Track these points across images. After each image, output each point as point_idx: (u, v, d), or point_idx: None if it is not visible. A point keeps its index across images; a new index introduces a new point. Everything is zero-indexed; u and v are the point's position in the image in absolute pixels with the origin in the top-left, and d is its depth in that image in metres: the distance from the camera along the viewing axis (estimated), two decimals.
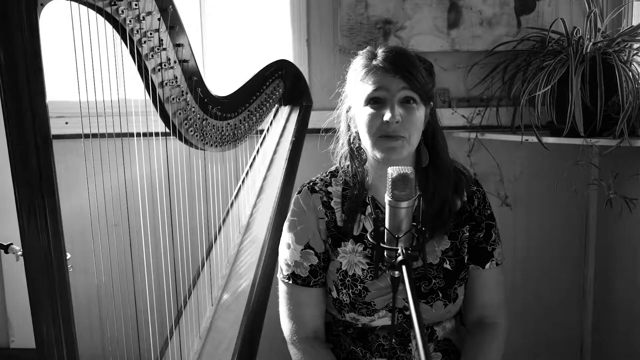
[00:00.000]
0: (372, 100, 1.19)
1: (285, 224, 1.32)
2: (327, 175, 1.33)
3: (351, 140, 1.29)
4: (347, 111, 1.28)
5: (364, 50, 1.25)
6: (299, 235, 1.29)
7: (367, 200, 1.27)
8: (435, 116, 1.28)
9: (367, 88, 1.19)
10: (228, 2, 2.15)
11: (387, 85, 1.17)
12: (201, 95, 1.28)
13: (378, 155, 1.21)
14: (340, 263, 1.27)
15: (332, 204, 1.29)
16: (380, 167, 1.23)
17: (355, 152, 1.28)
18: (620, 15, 2.00)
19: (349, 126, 1.29)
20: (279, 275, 1.33)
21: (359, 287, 1.25)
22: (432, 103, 1.25)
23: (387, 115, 1.16)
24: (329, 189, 1.31)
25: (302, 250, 1.28)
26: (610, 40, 1.82)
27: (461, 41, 2.05)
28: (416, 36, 2.04)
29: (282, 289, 1.32)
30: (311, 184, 1.32)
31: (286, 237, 1.31)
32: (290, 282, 1.29)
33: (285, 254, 1.31)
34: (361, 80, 1.20)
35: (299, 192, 1.32)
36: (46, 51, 0.79)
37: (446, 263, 1.27)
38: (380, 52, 1.21)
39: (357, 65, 1.23)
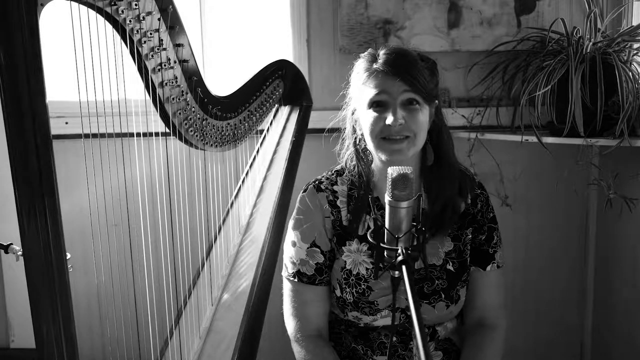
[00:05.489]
0: (374, 104, 1.19)
1: (291, 222, 1.33)
2: (332, 174, 1.34)
3: (357, 142, 1.29)
4: (352, 113, 1.29)
5: (365, 53, 1.25)
6: (305, 233, 1.29)
7: (372, 201, 1.27)
8: (441, 114, 1.28)
9: (369, 92, 1.19)
10: (228, 2, 2.15)
11: (389, 89, 1.17)
12: (201, 95, 1.28)
13: (383, 157, 1.21)
14: (345, 262, 1.27)
15: (338, 202, 1.30)
16: (386, 168, 1.24)
17: (361, 154, 1.29)
18: (620, 15, 2.00)
19: (354, 128, 1.29)
20: (284, 273, 1.33)
21: (362, 286, 1.25)
22: (436, 102, 1.25)
23: (389, 119, 1.16)
24: (335, 187, 1.31)
25: (308, 248, 1.29)
26: (610, 40, 1.82)
27: (461, 41, 2.05)
28: (416, 36, 2.04)
29: (286, 286, 1.32)
30: (317, 182, 1.33)
31: (291, 235, 1.31)
32: (296, 280, 1.30)
33: (290, 252, 1.31)
34: (363, 83, 1.20)
35: (305, 191, 1.33)
36: (46, 51, 0.79)
37: (449, 264, 1.27)
38: (381, 54, 1.21)
39: (359, 68, 1.23)
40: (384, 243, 0.95)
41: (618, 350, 2.11)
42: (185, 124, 1.27)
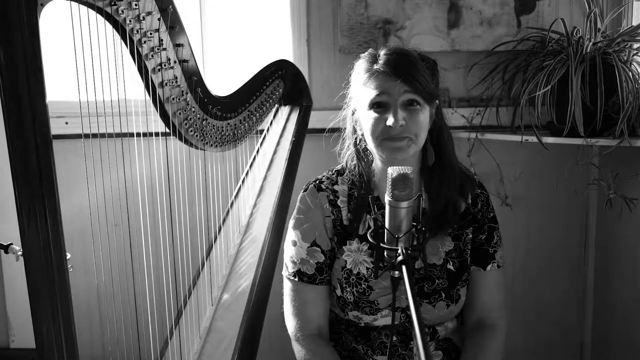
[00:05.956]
0: (375, 105, 1.19)
1: (291, 222, 1.33)
2: (333, 174, 1.34)
3: (357, 142, 1.29)
4: (353, 114, 1.29)
5: (366, 53, 1.25)
6: (306, 232, 1.29)
7: (373, 200, 1.27)
8: (441, 114, 1.28)
9: (370, 93, 1.19)
10: (228, 2, 2.15)
11: (389, 90, 1.17)
12: (201, 95, 1.28)
13: (384, 156, 1.21)
14: (345, 261, 1.27)
15: (339, 202, 1.30)
16: (386, 168, 1.24)
17: (362, 154, 1.29)
18: (620, 15, 2.00)
19: (354, 128, 1.29)
20: (284, 273, 1.33)
21: (363, 285, 1.25)
22: (437, 101, 1.25)
23: (390, 120, 1.16)
24: (335, 187, 1.31)
25: (308, 247, 1.29)
26: (610, 40, 1.82)
27: (461, 41, 2.05)
28: (416, 36, 2.04)
29: (287, 286, 1.32)
30: (317, 182, 1.33)
31: (292, 234, 1.31)
32: (296, 279, 1.30)
33: (290, 251, 1.31)
34: (364, 84, 1.20)
35: (305, 190, 1.33)
36: (46, 51, 0.79)
37: (449, 264, 1.27)
38: (381, 54, 1.21)
39: (360, 68, 1.23)
40: (384, 243, 0.95)
41: (618, 350, 2.11)
42: (185, 124, 1.27)
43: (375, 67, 1.19)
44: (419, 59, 1.21)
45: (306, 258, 1.29)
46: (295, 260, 1.30)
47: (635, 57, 1.82)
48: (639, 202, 1.86)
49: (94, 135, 1.05)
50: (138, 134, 1.19)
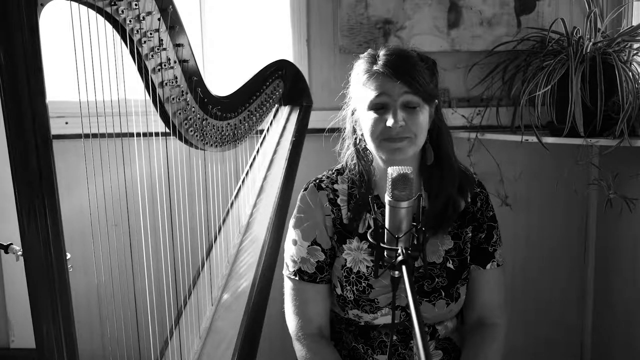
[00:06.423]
0: (374, 106, 1.19)
1: (291, 221, 1.33)
2: (333, 173, 1.34)
3: (357, 142, 1.29)
4: (352, 113, 1.29)
5: (365, 54, 1.25)
6: (306, 231, 1.29)
7: (373, 199, 1.28)
8: (440, 114, 1.28)
9: (370, 94, 1.19)
10: (228, 2, 2.15)
11: (389, 91, 1.17)
12: (201, 95, 1.28)
13: (383, 156, 1.22)
14: (345, 260, 1.27)
15: (339, 201, 1.30)
16: (386, 168, 1.24)
17: (362, 153, 1.29)
18: (620, 15, 2.00)
19: (354, 128, 1.29)
20: (285, 272, 1.33)
21: (363, 284, 1.26)
22: (436, 102, 1.25)
23: (389, 121, 1.16)
24: (335, 186, 1.31)
25: (308, 246, 1.29)
26: (610, 40, 1.82)
27: (461, 41, 2.05)
28: (416, 36, 2.04)
29: (287, 285, 1.33)
30: (317, 181, 1.33)
31: (292, 233, 1.32)
32: (297, 278, 1.30)
33: (291, 251, 1.31)
34: (363, 85, 1.21)
35: (305, 189, 1.33)
36: (46, 51, 0.79)
37: (449, 262, 1.28)
38: (381, 55, 1.21)
39: (359, 69, 1.23)
40: (384, 243, 0.95)
41: (618, 350, 2.11)
42: (185, 124, 1.27)
43: (375, 68, 1.19)
44: (418, 60, 1.21)
45: (307, 257, 1.29)
46: (296, 259, 1.30)
47: (635, 57, 1.82)
48: (639, 202, 1.86)
49: (94, 135, 1.05)
50: (138, 134, 1.19)
